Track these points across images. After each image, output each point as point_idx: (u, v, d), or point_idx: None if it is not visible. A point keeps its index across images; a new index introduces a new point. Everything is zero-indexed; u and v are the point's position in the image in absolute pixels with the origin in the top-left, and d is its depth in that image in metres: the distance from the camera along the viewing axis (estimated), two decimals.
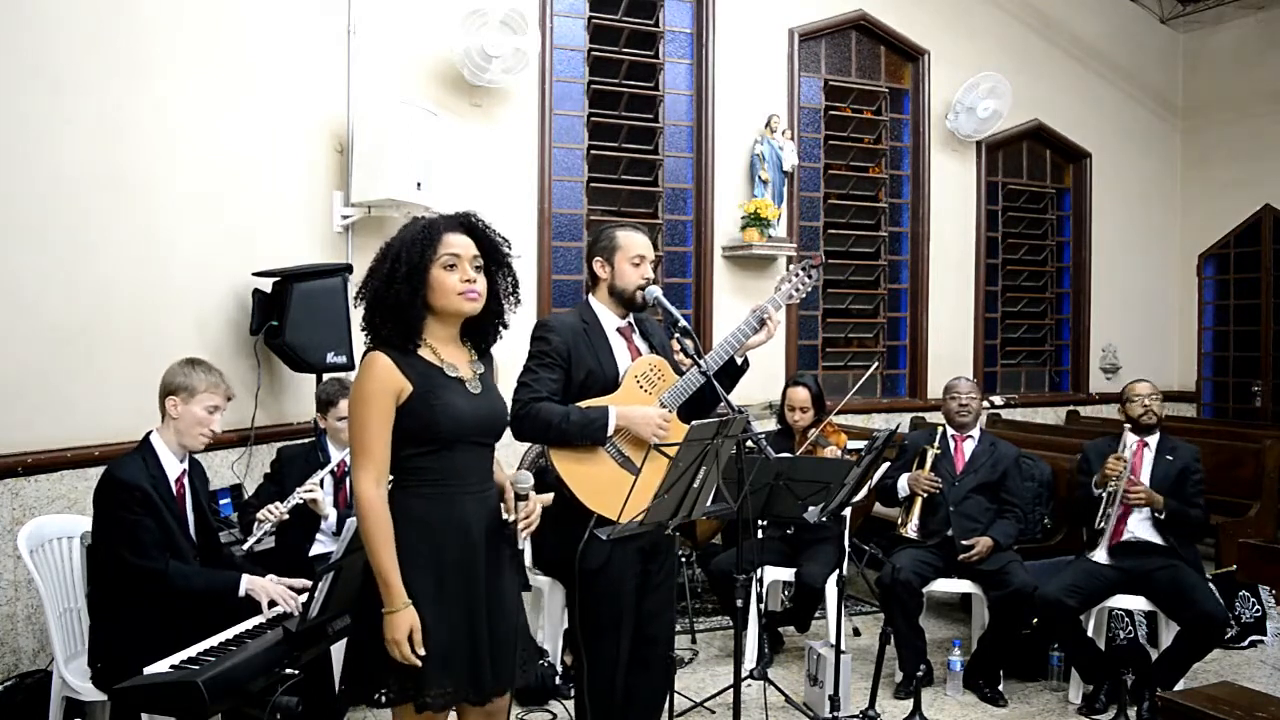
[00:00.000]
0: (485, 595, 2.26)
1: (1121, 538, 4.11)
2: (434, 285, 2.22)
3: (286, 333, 4.33)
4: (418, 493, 2.22)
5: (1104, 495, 4.06)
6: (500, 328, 2.40)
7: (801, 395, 4.58)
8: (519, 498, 2.31)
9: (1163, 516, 4.00)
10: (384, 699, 2.18)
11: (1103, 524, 4.07)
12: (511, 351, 2.95)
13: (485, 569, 2.27)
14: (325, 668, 3.25)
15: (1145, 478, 4.09)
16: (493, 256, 2.33)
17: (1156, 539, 4.06)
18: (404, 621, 2.12)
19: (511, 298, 2.38)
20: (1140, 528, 4.09)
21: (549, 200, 5.95)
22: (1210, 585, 3.99)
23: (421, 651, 2.13)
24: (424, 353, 2.25)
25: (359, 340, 4.26)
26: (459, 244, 2.24)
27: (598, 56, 6.17)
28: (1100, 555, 4.06)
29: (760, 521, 4.06)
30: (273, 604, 2.93)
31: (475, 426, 2.27)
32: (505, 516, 2.35)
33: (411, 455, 2.22)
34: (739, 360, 3.06)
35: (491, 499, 2.34)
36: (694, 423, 2.56)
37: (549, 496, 2.92)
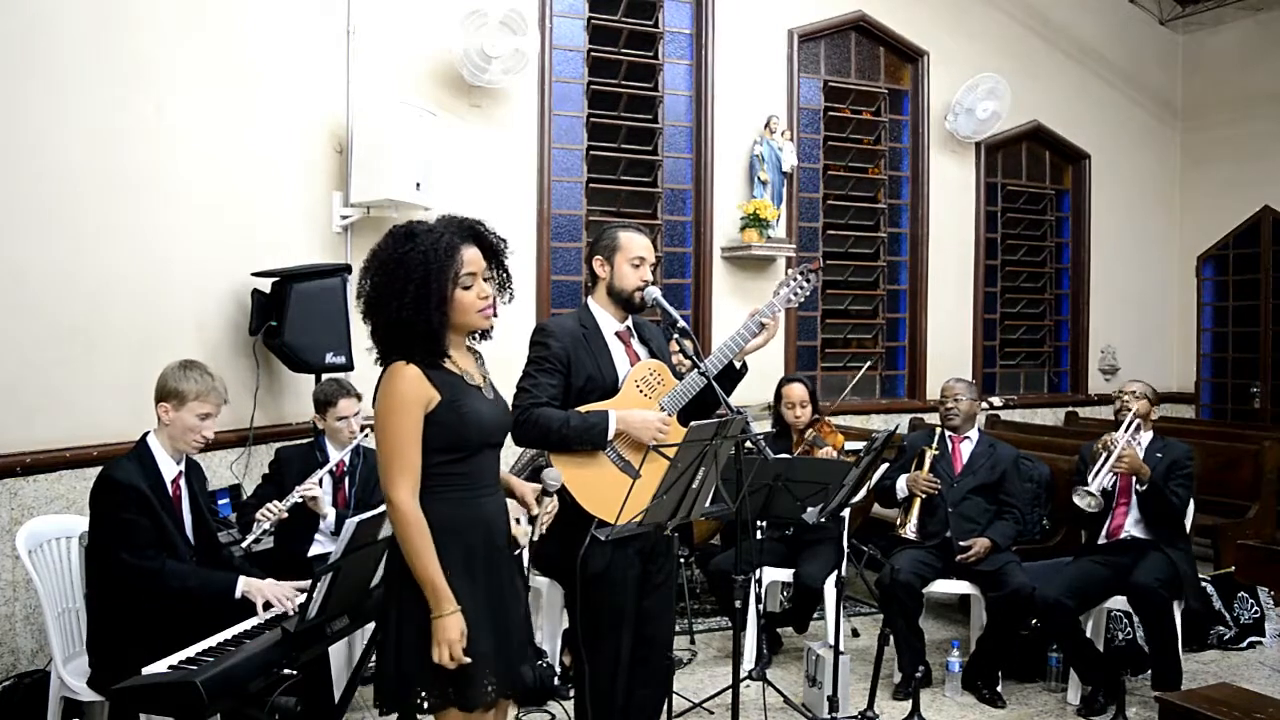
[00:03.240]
0: (508, 593, 2.31)
1: (1119, 536, 4.12)
2: (456, 305, 2.23)
3: (285, 333, 4.32)
4: (446, 498, 2.22)
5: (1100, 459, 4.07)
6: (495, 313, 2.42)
7: (799, 390, 4.58)
8: (545, 493, 2.34)
9: (1143, 489, 4.01)
10: (428, 703, 2.18)
11: (1094, 482, 4.01)
12: (510, 352, 2.95)
13: (508, 569, 2.33)
14: (324, 668, 3.26)
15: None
16: (495, 261, 2.34)
17: (1148, 536, 4.08)
18: (455, 625, 2.13)
19: (507, 291, 2.39)
20: (1136, 528, 4.11)
21: (548, 201, 5.95)
22: (1161, 557, 3.99)
23: (465, 657, 2.14)
24: (446, 364, 2.27)
25: (358, 341, 4.26)
26: (474, 260, 2.25)
27: (597, 57, 6.17)
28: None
29: (759, 522, 4.07)
30: (268, 605, 2.93)
31: (496, 430, 2.31)
32: (518, 515, 2.38)
33: (440, 463, 2.22)
34: (738, 364, 3.06)
35: (502, 498, 2.39)
36: (693, 424, 2.57)
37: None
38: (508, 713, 2.41)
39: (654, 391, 2.96)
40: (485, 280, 2.28)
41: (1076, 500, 4.03)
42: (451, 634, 2.12)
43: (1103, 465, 4.01)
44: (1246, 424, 7.61)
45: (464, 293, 2.23)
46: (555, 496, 2.38)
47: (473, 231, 2.28)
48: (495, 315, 2.38)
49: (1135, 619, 4.38)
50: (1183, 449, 4.18)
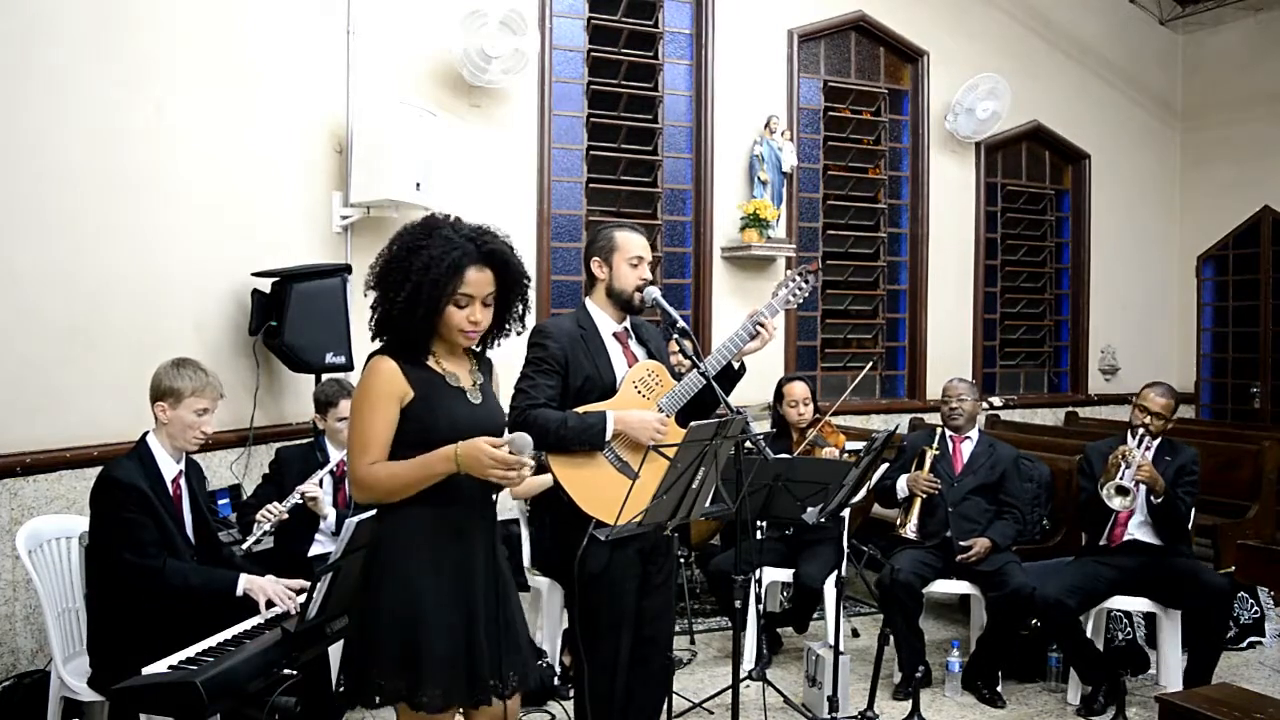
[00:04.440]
0: (484, 600, 2.27)
1: (1121, 540, 4.12)
2: (443, 318, 2.24)
3: (285, 333, 4.32)
4: (417, 497, 2.22)
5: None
6: (499, 340, 2.42)
7: (800, 389, 4.59)
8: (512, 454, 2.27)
9: (1158, 500, 3.97)
10: (378, 698, 2.19)
11: (1126, 477, 3.92)
12: (508, 355, 2.95)
13: (484, 574, 2.29)
14: (323, 668, 3.25)
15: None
16: (510, 287, 2.32)
17: (1153, 540, 4.07)
18: (472, 448, 2.13)
19: (519, 323, 2.40)
20: (1140, 530, 4.10)
21: (548, 201, 5.95)
22: (1210, 565, 3.96)
23: (509, 455, 2.14)
24: (429, 361, 2.28)
25: (358, 341, 4.25)
26: (477, 283, 2.23)
27: (597, 57, 6.17)
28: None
29: (759, 522, 4.07)
30: (270, 604, 2.93)
31: (473, 434, 2.26)
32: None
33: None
34: (735, 365, 3.06)
35: (485, 501, 2.35)
36: (693, 424, 2.57)
37: (546, 479, 2.91)
38: (516, 714, 2.39)
39: (652, 392, 2.96)
40: (486, 305, 2.27)
41: (1110, 501, 3.91)
42: (476, 452, 2.12)
43: (1122, 477, 3.97)
44: (1246, 424, 7.61)
45: (455, 310, 2.24)
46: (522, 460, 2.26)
47: (491, 257, 2.26)
48: (506, 335, 2.39)
49: (1133, 619, 4.39)
50: (1190, 454, 4.15)
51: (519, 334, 2.43)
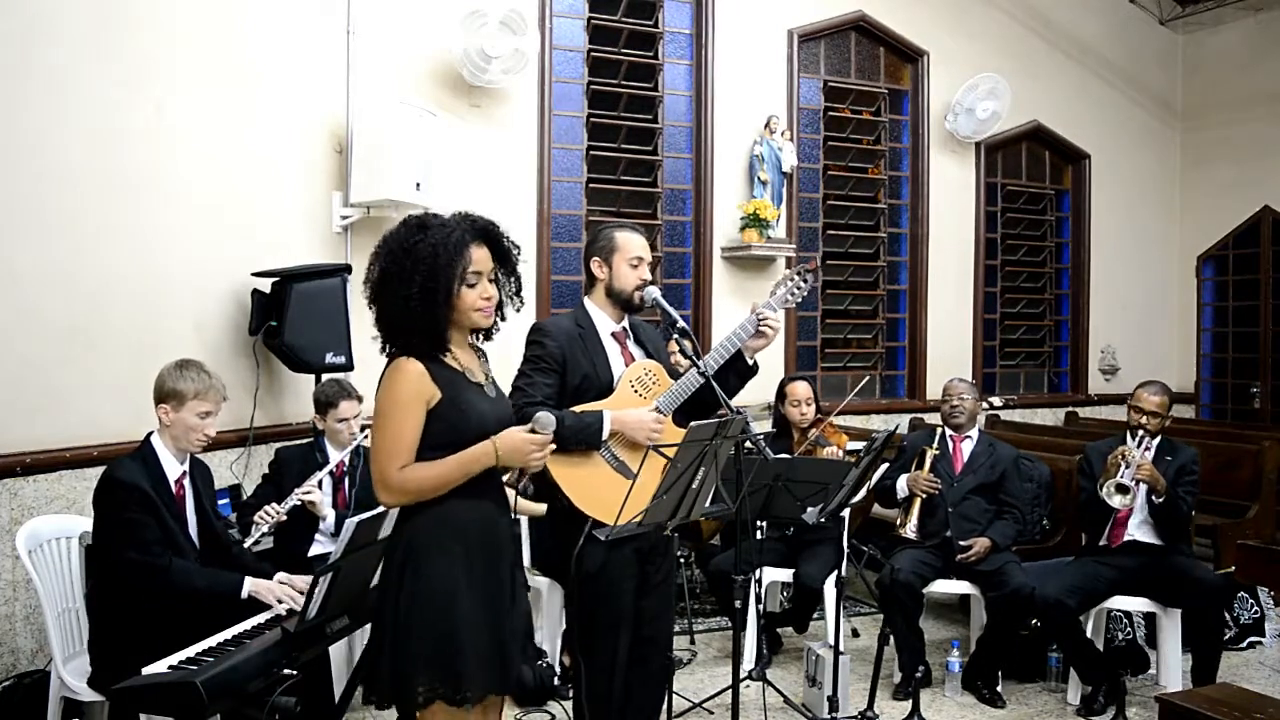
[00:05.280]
0: (508, 590, 2.31)
1: (1121, 540, 4.12)
2: (457, 302, 2.25)
3: (285, 333, 4.32)
4: (449, 493, 2.23)
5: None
6: (498, 327, 2.42)
7: (803, 388, 4.60)
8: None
9: (1160, 500, 3.97)
10: (421, 698, 2.17)
11: (1127, 475, 3.93)
12: (507, 352, 2.95)
13: (507, 563, 2.32)
14: (324, 668, 3.26)
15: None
16: (504, 264, 2.34)
17: (1154, 540, 4.07)
18: (511, 436, 2.22)
19: (516, 299, 2.41)
20: (1139, 531, 4.10)
21: (548, 201, 5.95)
22: (1208, 565, 3.95)
23: (541, 437, 2.24)
24: (448, 359, 2.28)
25: (358, 341, 4.23)
26: (480, 259, 2.26)
27: (597, 57, 6.17)
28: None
29: (759, 522, 4.07)
30: (281, 602, 2.94)
31: (496, 427, 2.30)
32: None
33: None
34: (750, 361, 3.05)
35: (505, 500, 2.39)
36: (693, 424, 2.57)
37: (541, 508, 2.91)
38: (501, 711, 2.41)
39: (649, 391, 2.96)
40: (490, 281, 2.29)
41: (1110, 500, 3.92)
42: (517, 442, 2.21)
43: (1122, 476, 3.97)
44: (1246, 424, 7.61)
45: (467, 290, 2.24)
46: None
47: (485, 232, 2.29)
48: (503, 319, 2.39)
49: (1133, 619, 4.39)
50: (1190, 453, 4.15)
51: (518, 309, 2.42)
